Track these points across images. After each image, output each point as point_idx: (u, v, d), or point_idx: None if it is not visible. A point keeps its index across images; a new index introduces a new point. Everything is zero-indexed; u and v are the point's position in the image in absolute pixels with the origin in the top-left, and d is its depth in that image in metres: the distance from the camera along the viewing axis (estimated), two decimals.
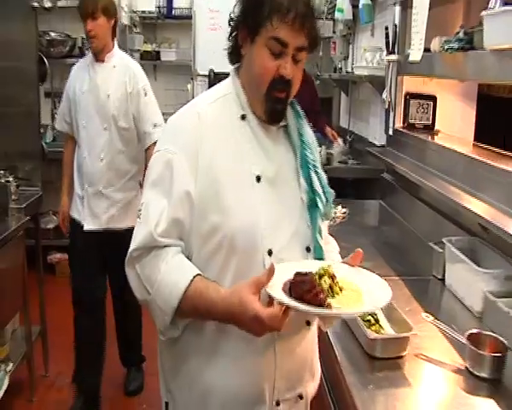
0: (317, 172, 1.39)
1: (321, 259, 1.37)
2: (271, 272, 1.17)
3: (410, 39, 2.70)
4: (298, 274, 1.22)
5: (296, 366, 1.40)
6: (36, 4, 3.42)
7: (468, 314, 1.94)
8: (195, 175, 1.29)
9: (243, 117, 1.36)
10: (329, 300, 1.18)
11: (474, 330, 1.63)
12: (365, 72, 4.00)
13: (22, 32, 2.92)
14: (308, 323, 1.40)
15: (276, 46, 1.28)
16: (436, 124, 3.16)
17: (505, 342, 1.57)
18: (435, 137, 2.98)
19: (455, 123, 3.07)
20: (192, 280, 1.25)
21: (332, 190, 1.42)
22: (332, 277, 1.23)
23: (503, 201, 1.98)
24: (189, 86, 5.52)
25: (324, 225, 1.46)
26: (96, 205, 2.98)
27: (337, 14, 4.44)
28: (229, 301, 1.20)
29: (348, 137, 4.83)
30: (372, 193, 3.69)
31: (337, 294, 1.21)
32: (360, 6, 3.97)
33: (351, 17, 4.40)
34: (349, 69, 4.90)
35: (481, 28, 1.98)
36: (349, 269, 1.34)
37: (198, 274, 1.27)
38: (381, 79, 3.43)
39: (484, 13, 1.94)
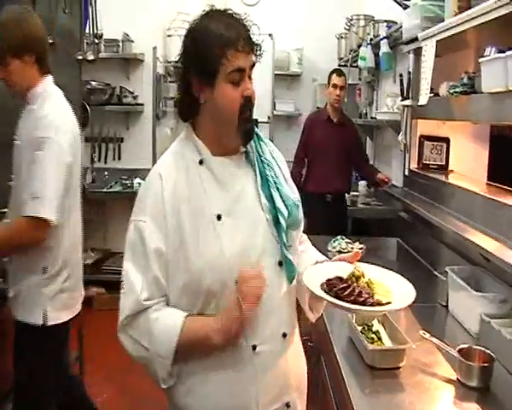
0: (277, 188, 1.46)
1: (292, 272, 1.46)
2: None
3: (421, 85, 2.89)
4: (330, 280, 1.41)
5: (278, 379, 1.46)
6: (80, 57, 3.73)
7: (467, 336, 2.05)
8: (165, 234, 1.38)
9: (201, 162, 1.43)
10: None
11: (464, 345, 1.76)
12: (386, 117, 4.18)
13: (69, 82, 3.15)
14: (284, 335, 1.47)
15: (236, 75, 1.36)
16: (450, 164, 3.31)
17: (492, 354, 1.70)
18: (448, 176, 3.13)
19: (468, 163, 3.19)
20: (184, 321, 1.36)
21: (295, 199, 1.49)
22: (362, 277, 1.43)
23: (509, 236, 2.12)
24: None
25: (297, 233, 1.55)
26: None
27: (360, 62, 4.68)
28: (217, 316, 1.37)
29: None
30: (391, 231, 3.84)
31: (374, 293, 1.39)
32: (381, 54, 4.20)
33: (373, 65, 4.60)
34: (373, 115, 5.11)
35: (480, 74, 2.17)
36: (374, 269, 1.52)
37: (188, 315, 1.38)
38: (400, 123, 3.61)
39: (481, 59, 2.13)
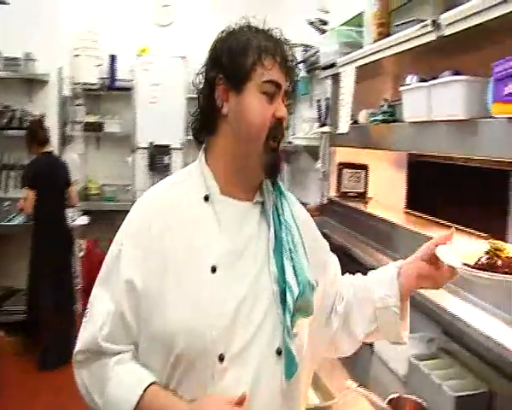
0: (292, 258, 1.20)
1: (291, 367, 1.17)
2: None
3: (340, 112, 2.81)
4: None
5: None
6: None
7: (394, 378, 1.96)
8: (143, 266, 1.17)
9: (206, 198, 1.22)
10: None
11: (394, 395, 1.63)
12: (303, 142, 4.11)
13: None
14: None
15: (271, 88, 1.19)
16: (369, 192, 3.25)
17: (424, 404, 1.59)
18: (367, 205, 3.06)
19: (386, 190, 3.16)
20: (142, 395, 1.13)
21: (311, 279, 1.21)
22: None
23: None
24: (130, 159, 5.50)
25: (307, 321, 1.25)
26: None
27: None
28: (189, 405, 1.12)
29: None
30: None
31: None
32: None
33: (290, 89, 4.52)
34: (290, 139, 5.03)
35: (401, 102, 2.08)
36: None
37: (151, 383, 1.14)
38: (317, 148, 3.53)
39: (402, 88, 2.04)
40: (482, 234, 2.17)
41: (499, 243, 1.30)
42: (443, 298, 1.85)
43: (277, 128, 1.21)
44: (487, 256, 1.26)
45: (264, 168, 1.21)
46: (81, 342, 1.21)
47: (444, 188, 2.73)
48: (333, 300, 1.39)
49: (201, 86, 1.27)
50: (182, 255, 1.17)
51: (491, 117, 1.53)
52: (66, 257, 4.55)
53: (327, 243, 1.45)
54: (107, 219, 5.56)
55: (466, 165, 1.93)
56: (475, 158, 1.78)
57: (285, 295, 1.17)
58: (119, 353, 1.18)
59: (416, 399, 1.62)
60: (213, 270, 1.16)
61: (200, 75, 1.28)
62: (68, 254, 4.58)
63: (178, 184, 1.28)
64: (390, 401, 1.60)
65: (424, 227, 2.32)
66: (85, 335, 1.21)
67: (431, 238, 2.09)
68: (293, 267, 1.19)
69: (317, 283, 1.24)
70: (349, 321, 1.37)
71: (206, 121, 1.26)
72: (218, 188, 1.23)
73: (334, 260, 1.47)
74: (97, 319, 1.19)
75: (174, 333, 1.13)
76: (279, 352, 1.17)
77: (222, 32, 1.28)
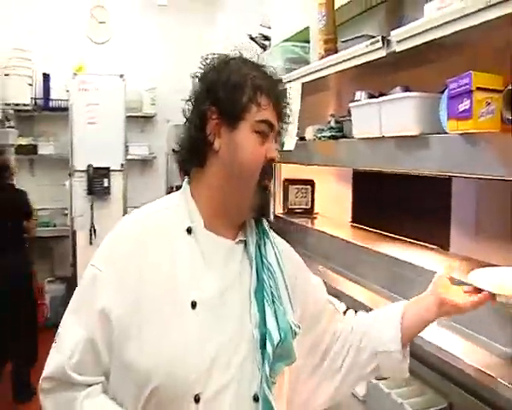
0: (274, 303, 1.17)
1: None
2: None
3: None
4: None
5: None
6: None
7: (354, 400, 1.92)
8: (120, 295, 1.12)
9: (189, 230, 1.17)
10: None
11: None
12: None
13: None
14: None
15: (265, 128, 1.18)
16: (315, 207, 3.25)
17: None
18: (314, 220, 3.06)
19: (333, 205, 3.17)
20: None
21: (294, 325, 1.18)
22: None
23: (378, 281, 2.04)
24: (68, 182, 5.25)
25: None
26: None
27: None
28: None
29: None
30: None
31: None
32: None
33: None
34: None
35: (350, 118, 2.08)
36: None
37: None
38: None
39: (351, 104, 2.04)
40: (427, 245, 2.20)
41: None
42: None
43: (268, 168, 1.20)
44: None
45: (253, 207, 1.20)
46: (48, 369, 1.15)
47: (388, 200, 2.76)
48: (326, 343, 1.37)
49: (191, 115, 1.25)
50: (161, 286, 1.13)
51: (442, 132, 1.54)
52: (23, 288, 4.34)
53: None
54: (43, 245, 5.34)
55: (409, 176, 1.95)
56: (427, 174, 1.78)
57: (265, 342, 1.13)
58: (89, 385, 1.12)
59: None
60: (193, 305, 1.11)
61: (190, 102, 1.25)
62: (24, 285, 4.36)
63: (160, 213, 1.23)
64: None
65: (370, 241, 2.34)
66: (53, 362, 1.15)
67: (377, 252, 2.13)
68: (275, 312, 1.16)
69: (299, 327, 1.20)
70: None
71: (195, 153, 1.22)
72: (202, 222, 1.19)
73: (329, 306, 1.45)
74: (66, 346, 1.13)
75: (151, 368, 1.08)
76: (256, 398, 1.13)
77: (214, 58, 1.26)
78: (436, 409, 1.67)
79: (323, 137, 2.39)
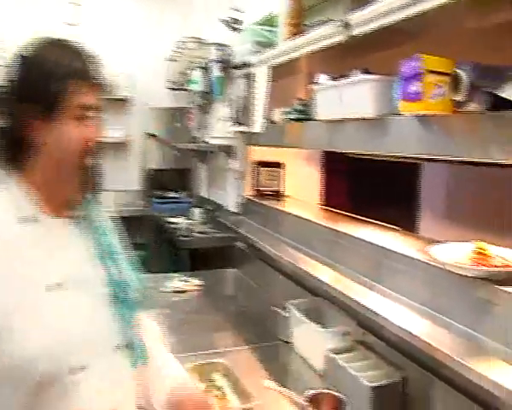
0: (113, 259, 1.27)
1: (138, 355, 1.26)
2: None
3: (255, 111, 2.82)
4: None
5: None
6: None
7: (313, 374, 1.98)
8: None
9: (24, 219, 1.15)
10: None
11: (312, 391, 1.64)
12: (219, 141, 4.09)
13: None
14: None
15: (81, 112, 1.17)
16: (286, 189, 3.28)
17: (342, 397, 1.61)
18: (284, 203, 3.09)
19: (303, 187, 3.20)
20: None
21: (138, 275, 1.32)
22: None
23: (347, 263, 2.08)
24: None
25: (142, 313, 1.35)
26: None
27: (192, 86, 4.56)
28: None
29: (208, 207, 4.88)
30: (231, 261, 3.72)
31: None
32: (212, 78, 4.11)
33: (205, 89, 4.52)
34: (206, 139, 5.00)
35: (314, 101, 2.11)
36: None
37: None
38: (233, 148, 3.53)
39: (314, 87, 2.07)
40: (395, 227, 2.24)
41: (482, 243, 1.50)
42: (356, 291, 1.90)
43: (89, 150, 1.20)
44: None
45: (83, 186, 1.24)
46: None
47: (357, 182, 2.80)
48: None
49: (4, 108, 1.20)
50: (11, 280, 1.10)
51: (399, 115, 1.59)
52: None
53: None
54: None
55: (378, 159, 1.99)
56: (386, 155, 1.83)
57: (117, 295, 1.24)
58: None
59: (334, 393, 1.64)
60: (49, 289, 1.13)
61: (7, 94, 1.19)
62: None
63: None
64: (309, 398, 1.61)
65: (339, 223, 2.36)
66: None
67: (346, 234, 2.17)
68: (117, 266, 1.26)
69: (139, 278, 1.32)
70: None
71: (15, 146, 1.19)
72: (37, 207, 1.19)
73: None
74: None
75: (29, 355, 1.08)
76: (119, 347, 1.22)
77: (19, 52, 1.19)
78: (391, 382, 1.73)
79: (289, 119, 2.43)
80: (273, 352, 2.21)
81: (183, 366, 1.40)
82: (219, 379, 1.78)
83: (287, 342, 2.23)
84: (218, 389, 1.70)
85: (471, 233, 1.86)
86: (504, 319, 1.36)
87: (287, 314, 2.23)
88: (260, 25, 2.67)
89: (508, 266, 1.45)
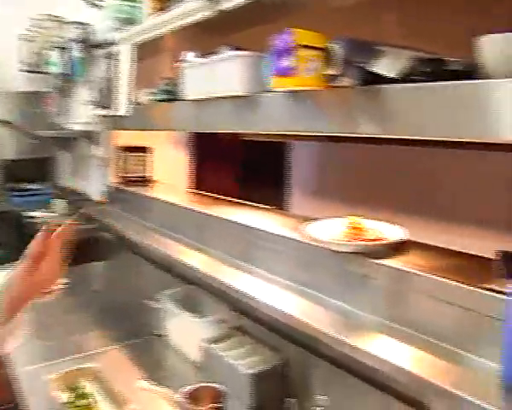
0: None
1: None
2: None
3: (119, 93, 2.65)
4: None
5: None
6: None
7: (190, 367, 1.90)
8: None
9: None
10: None
11: (189, 387, 1.56)
12: (81, 127, 3.85)
13: None
14: None
15: None
16: (154, 175, 3.16)
17: (222, 388, 1.55)
18: (152, 188, 2.98)
19: (172, 172, 3.11)
20: None
21: None
22: None
23: (220, 247, 2.02)
24: None
25: None
26: None
27: (50, 68, 4.24)
28: None
29: (72, 198, 4.60)
30: (98, 255, 3.51)
31: None
32: (73, 59, 3.85)
33: (65, 71, 4.22)
34: (67, 125, 4.70)
35: (182, 80, 2.01)
36: None
37: None
38: (97, 133, 3.33)
39: (182, 65, 1.97)
40: (266, 206, 2.22)
41: (354, 218, 1.53)
42: (230, 276, 1.84)
43: None
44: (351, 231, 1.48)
45: None
46: None
47: (228, 163, 2.76)
48: None
49: None
50: None
51: (270, 92, 1.54)
52: None
53: None
54: None
55: (250, 139, 1.95)
56: (258, 133, 1.78)
57: None
58: None
59: (213, 386, 1.57)
60: None
61: None
62: None
63: None
64: (187, 394, 1.52)
65: (208, 206, 2.32)
66: None
67: (216, 217, 2.11)
68: None
69: None
70: None
71: None
72: None
73: None
74: None
75: None
76: None
77: None
78: (270, 366, 1.69)
79: (155, 100, 2.31)
80: (147, 348, 2.10)
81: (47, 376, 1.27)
82: (89, 386, 1.63)
83: (161, 336, 2.13)
84: (88, 397, 1.55)
85: (343, 208, 1.88)
86: (381, 292, 1.37)
87: (159, 306, 2.12)
88: (123, 0, 2.50)
89: (381, 239, 1.47)
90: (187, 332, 1.95)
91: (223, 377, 1.69)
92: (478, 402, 0.99)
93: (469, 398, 1.01)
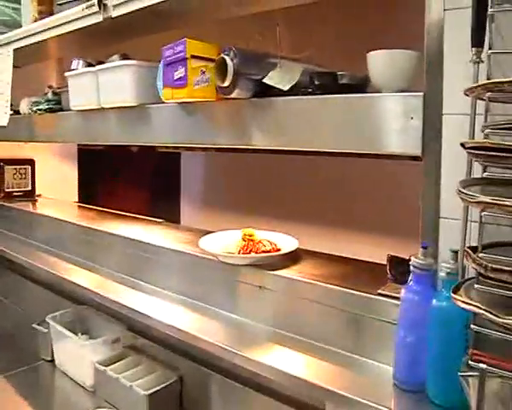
0: None
1: None
2: None
3: None
4: None
5: None
6: None
7: (83, 392, 1.80)
8: None
9: None
10: None
11: None
12: None
13: None
14: None
15: None
16: (37, 189, 3.00)
17: None
18: (36, 204, 2.82)
19: (58, 185, 2.97)
20: None
21: None
22: None
23: (109, 264, 1.95)
24: None
25: None
26: None
27: None
28: None
29: None
30: None
31: None
32: None
33: None
34: None
35: (68, 89, 1.92)
36: None
37: None
38: None
39: (68, 73, 1.89)
40: (159, 220, 2.17)
41: (249, 230, 1.54)
42: (120, 293, 1.77)
43: None
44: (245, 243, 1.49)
45: None
46: None
47: (117, 176, 2.68)
48: None
49: None
50: None
51: (161, 102, 1.51)
52: None
53: None
54: None
55: (140, 151, 1.90)
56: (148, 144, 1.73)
57: None
58: None
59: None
60: None
61: None
62: None
63: None
64: None
65: (99, 221, 2.23)
66: None
67: (105, 232, 2.02)
68: None
69: None
70: None
71: None
72: None
73: None
74: None
75: None
76: None
77: None
78: (167, 384, 1.65)
79: (39, 110, 2.19)
80: (34, 376, 1.96)
81: None
82: None
83: (50, 362, 2.01)
84: None
85: (233, 219, 1.88)
86: (276, 303, 1.38)
87: (47, 330, 2.00)
88: (4, 1, 2.35)
89: (276, 249, 1.49)
90: (77, 356, 1.84)
91: (119, 399, 1.62)
92: (370, 403, 1.02)
93: (362, 400, 1.03)
